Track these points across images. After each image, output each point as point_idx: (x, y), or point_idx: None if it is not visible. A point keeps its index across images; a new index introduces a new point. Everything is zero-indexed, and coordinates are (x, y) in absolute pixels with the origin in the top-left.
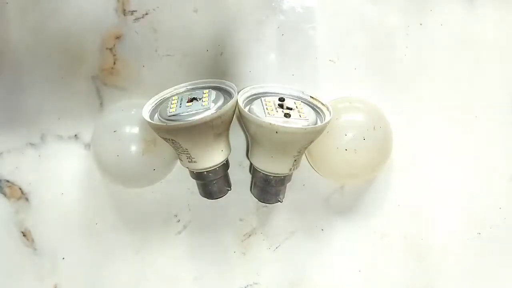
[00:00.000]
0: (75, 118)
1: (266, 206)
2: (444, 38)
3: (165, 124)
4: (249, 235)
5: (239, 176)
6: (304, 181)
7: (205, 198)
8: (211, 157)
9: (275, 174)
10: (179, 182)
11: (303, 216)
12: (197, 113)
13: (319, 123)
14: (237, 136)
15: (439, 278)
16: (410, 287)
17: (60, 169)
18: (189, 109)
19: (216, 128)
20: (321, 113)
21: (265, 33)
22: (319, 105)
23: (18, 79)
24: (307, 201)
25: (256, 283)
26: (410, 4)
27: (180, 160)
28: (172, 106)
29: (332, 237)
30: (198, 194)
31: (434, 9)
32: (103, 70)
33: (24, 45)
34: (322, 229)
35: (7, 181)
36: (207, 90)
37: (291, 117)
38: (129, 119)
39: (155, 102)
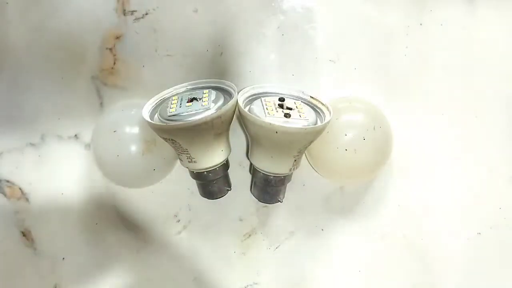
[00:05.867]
0: (75, 118)
1: (266, 206)
2: (444, 38)
3: (165, 124)
4: (249, 235)
5: (239, 176)
6: (304, 181)
7: (205, 198)
8: (211, 157)
9: (275, 174)
10: (179, 182)
11: (303, 216)
12: (197, 113)
13: (319, 123)
14: (237, 136)
15: (439, 278)
16: (410, 287)
17: (60, 169)
18: (189, 109)
19: (216, 128)
20: (321, 113)
21: (265, 33)
22: (319, 105)
23: (18, 79)
24: (307, 201)
25: (256, 283)
26: (410, 4)
27: (180, 160)
28: (172, 106)
29: (332, 237)
30: (198, 194)
31: (434, 9)
32: (103, 70)
33: (24, 45)
34: (322, 229)
35: (7, 181)
36: (207, 90)
37: (291, 117)
38: (129, 119)
39: (155, 102)
